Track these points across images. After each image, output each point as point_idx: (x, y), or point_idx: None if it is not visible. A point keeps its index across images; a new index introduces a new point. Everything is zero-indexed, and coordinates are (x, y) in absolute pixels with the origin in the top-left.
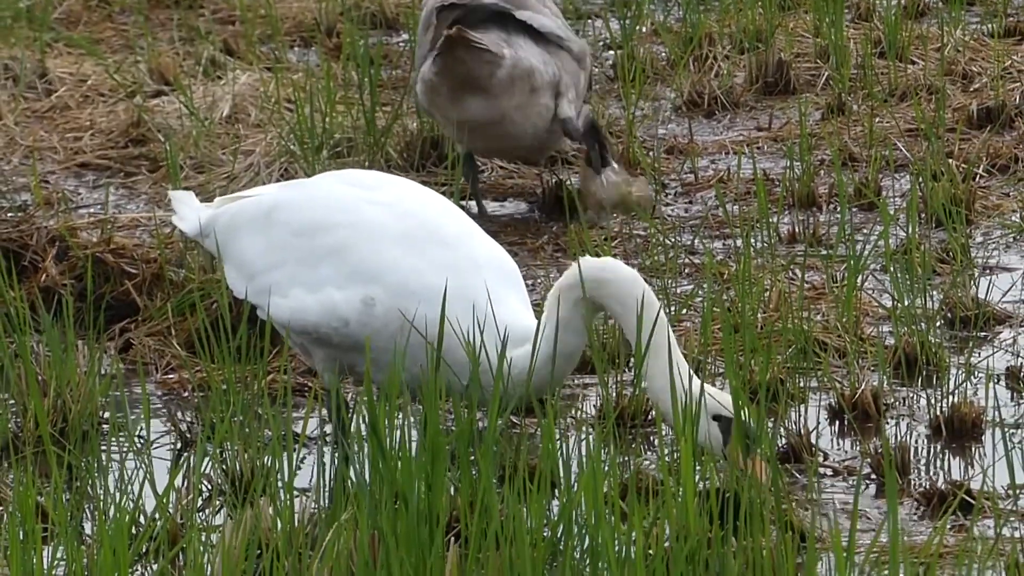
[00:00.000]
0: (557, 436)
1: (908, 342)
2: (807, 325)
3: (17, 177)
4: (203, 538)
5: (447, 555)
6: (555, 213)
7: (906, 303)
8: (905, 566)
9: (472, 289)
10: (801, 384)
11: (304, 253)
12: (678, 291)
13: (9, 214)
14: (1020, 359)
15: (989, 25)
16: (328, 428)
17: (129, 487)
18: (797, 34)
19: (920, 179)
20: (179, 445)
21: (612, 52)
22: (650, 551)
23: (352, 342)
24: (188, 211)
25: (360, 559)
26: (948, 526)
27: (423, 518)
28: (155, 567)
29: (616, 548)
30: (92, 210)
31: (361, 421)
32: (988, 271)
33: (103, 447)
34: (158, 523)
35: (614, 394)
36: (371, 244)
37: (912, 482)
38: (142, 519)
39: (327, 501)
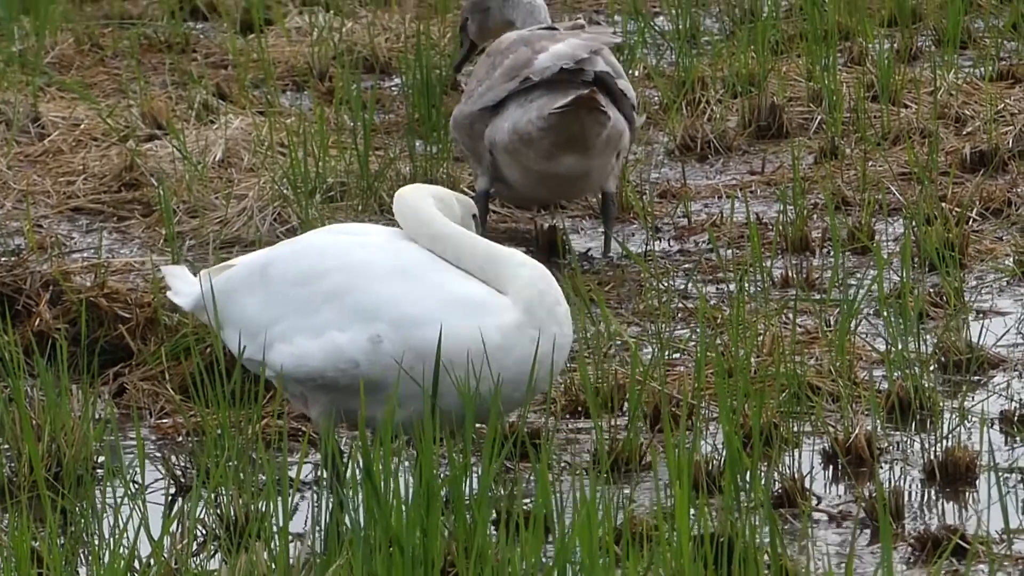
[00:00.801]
0: (551, 480)
1: (902, 386)
2: (801, 369)
3: (10, 221)
4: None
5: None
6: (549, 256)
7: (900, 347)
8: None
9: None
10: (795, 428)
11: (302, 302)
12: (672, 335)
13: (2, 258)
14: (1014, 403)
15: (982, 69)
16: (323, 472)
17: (124, 532)
18: (790, 78)
19: (913, 223)
20: (174, 490)
21: None
22: None
23: (363, 383)
24: (182, 285)
25: None
26: (942, 571)
27: (418, 563)
28: None
29: None
30: (85, 254)
31: (355, 467)
32: (981, 315)
33: (98, 492)
34: (153, 568)
35: (608, 438)
36: (366, 283)
37: (906, 527)
38: (137, 564)
39: (322, 546)
